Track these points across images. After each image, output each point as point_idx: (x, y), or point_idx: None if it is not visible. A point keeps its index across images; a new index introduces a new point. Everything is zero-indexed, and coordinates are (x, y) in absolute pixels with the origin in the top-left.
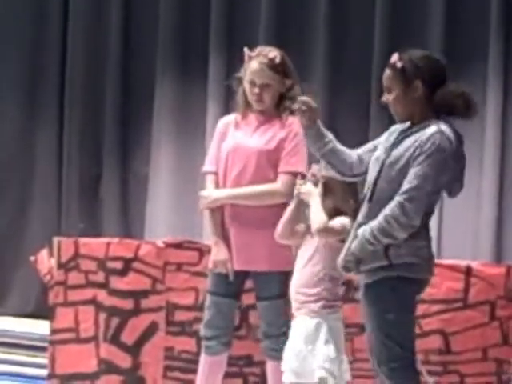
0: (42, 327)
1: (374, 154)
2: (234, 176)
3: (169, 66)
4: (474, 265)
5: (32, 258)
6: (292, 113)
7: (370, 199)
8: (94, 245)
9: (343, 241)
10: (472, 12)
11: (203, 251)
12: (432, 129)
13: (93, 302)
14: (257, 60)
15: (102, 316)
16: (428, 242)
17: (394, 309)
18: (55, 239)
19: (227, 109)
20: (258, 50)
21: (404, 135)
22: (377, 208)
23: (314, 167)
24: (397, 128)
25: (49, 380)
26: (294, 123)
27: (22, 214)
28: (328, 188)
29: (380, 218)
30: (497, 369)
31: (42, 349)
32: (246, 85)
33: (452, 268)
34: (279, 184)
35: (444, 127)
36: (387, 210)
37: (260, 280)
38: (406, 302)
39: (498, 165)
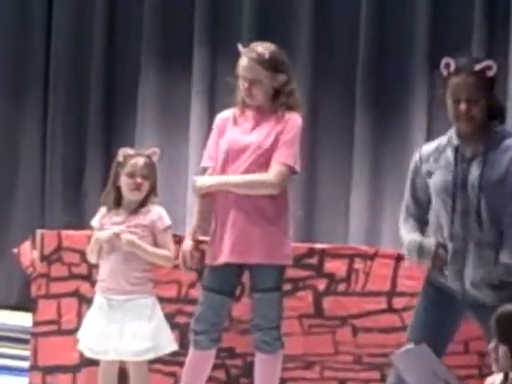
0: (24, 319)
1: (432, 184)
2: (233, 172)
3: (153, 58)
4: None
5: (15, 250)
6: (289, 108)
7: (479, 221)
8: (77, 237)
9: None
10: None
11: None
12: None
13: (76, 294)
14: (246, 55)
15: (85, 308)
16: None
17: None
18: (38, 231)
19: (211, 101)
20: (252, 45)
21: (475, 153)
22: (494, 226)
23: None
24: (433, 148)
25: (31, 372)
26: (292, 119)
27: (6, 207)
28: None
29: None
30: (478, 362)
31: (25, 341)
32: (239, 81)
33: None
34: (270, 174)
35: None
36: None
37: (255, 272)
38: None
39: None
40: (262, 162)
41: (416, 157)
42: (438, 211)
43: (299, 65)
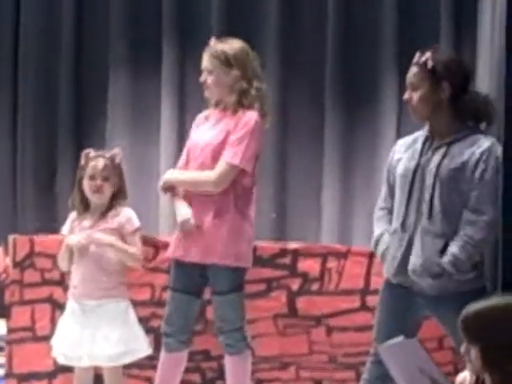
0: None
1: (397, 171)
2: (190, 169)
3: (122, 59)
4: None
5: None
6: (243, 106)
7: (430, 212)
8: (49, 242)
9: None
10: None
11: (158, 247)
12: (486, 141)
13: (49, 299)
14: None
15: (59, 314)
16: None
17: None
18: (10, 237)
19: (181, 102)
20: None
21: (440, 144)
22: (445, 217)
23: None
24: (408, 141)
25: (6, 380)
26: (245, 116)
27: None
28: None
29: (475, 233)
30: (453, 358)
31: None
32: None
33: None
34: (212, 172)
35: (492, 139)
36: (481, 228)
37: (212, 274)
38: None
39: None
40: (214, 159)
41: (392, 150)
42: (398, 198)
43: (268, 63)
